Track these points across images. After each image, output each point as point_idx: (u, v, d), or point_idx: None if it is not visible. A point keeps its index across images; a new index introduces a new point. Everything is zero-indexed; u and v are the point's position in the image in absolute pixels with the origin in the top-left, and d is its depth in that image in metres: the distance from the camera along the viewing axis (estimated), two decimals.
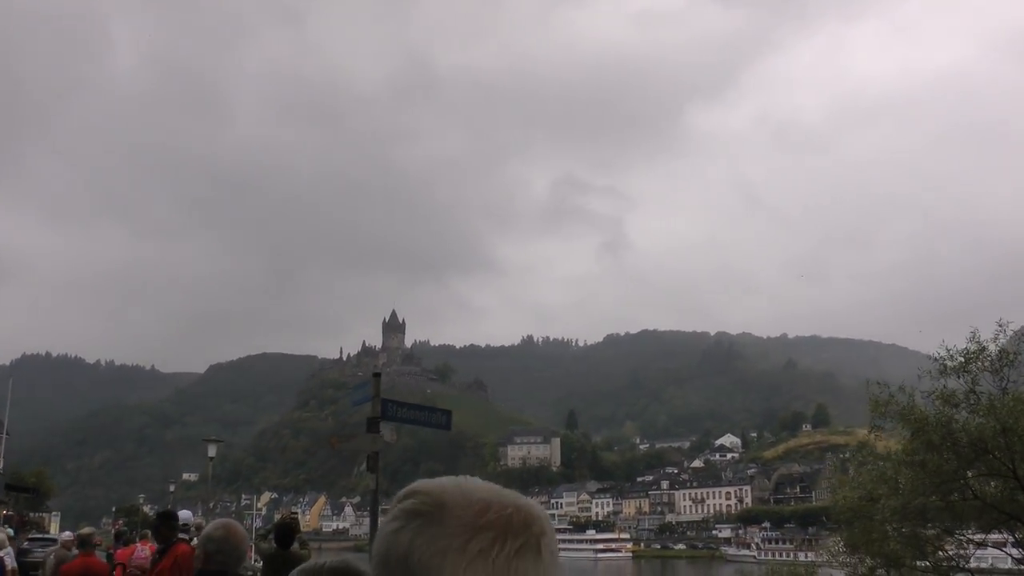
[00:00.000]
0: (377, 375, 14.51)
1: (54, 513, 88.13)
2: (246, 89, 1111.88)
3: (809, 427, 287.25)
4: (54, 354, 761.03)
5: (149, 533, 48.71)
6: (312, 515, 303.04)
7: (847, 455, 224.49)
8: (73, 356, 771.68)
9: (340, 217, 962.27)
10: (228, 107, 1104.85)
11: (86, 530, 13.37)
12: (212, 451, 34.08)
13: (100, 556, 13.18)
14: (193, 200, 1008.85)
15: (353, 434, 14.09)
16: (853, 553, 31.81)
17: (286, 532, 12.68)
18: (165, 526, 10.88)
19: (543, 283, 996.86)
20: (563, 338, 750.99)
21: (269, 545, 14.01)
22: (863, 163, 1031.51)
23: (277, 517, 14.60)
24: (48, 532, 51.83)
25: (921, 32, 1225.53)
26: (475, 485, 1.62)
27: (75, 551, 14.23)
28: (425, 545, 1.53)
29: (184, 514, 13.73)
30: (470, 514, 1.54)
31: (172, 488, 74.74)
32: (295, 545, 13.37)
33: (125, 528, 36.31)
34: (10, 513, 59.76)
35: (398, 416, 14.59)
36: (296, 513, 17.43)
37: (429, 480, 1.63)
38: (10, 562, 18.07)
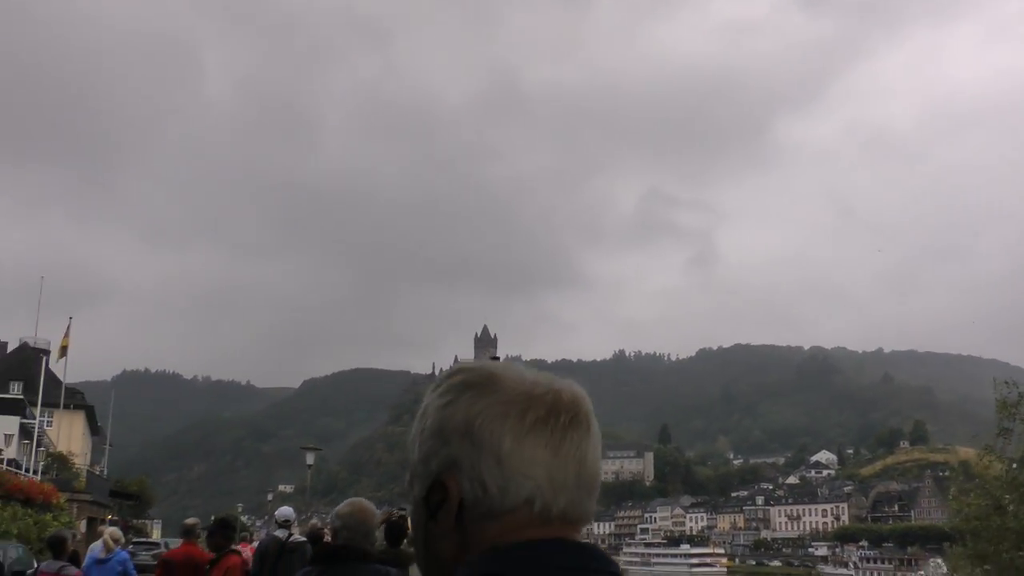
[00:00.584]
0: (495, 358, 14.14)
1: (155, 521, 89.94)
2: (335, 111, 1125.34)
3: (907, 444, 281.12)
4: (153, 370, 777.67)
5: (249, 535, 49.53)
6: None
7: (947, 473, 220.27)
8: (171, 372, 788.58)
9: (429, 233, 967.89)
10: (318, 129, 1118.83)
11: (191, 520, 13.65)
12: (310, 459, 34.46)
13: (202, 547, 13.56)
14: (285, 220, 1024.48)
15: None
16: (979, 564, 30.73)
17: (396, 531, 12.92)
18: (220, 534, 10.72)
19: (633, 297, 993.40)
20: (655, 352, 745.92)
21: (380, 544, 14.21)
22: (959, 171, 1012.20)
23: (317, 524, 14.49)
24: (151, 537, 52.99)
25: (1017, 34, 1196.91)
26: (518, 365, 1.63)
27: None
28: (485, 411, 1.54)
29: (285, 510, 14.00)
30: (523, 387, 1.56)
31: (270, 497, 75.66)
32: (404, 544, 13.59)
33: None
34: (115, 519, 61.14)
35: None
36: (405, 510, 16.97)
37: (469, 361, 1.64)
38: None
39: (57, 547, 11.69)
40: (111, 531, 15.38)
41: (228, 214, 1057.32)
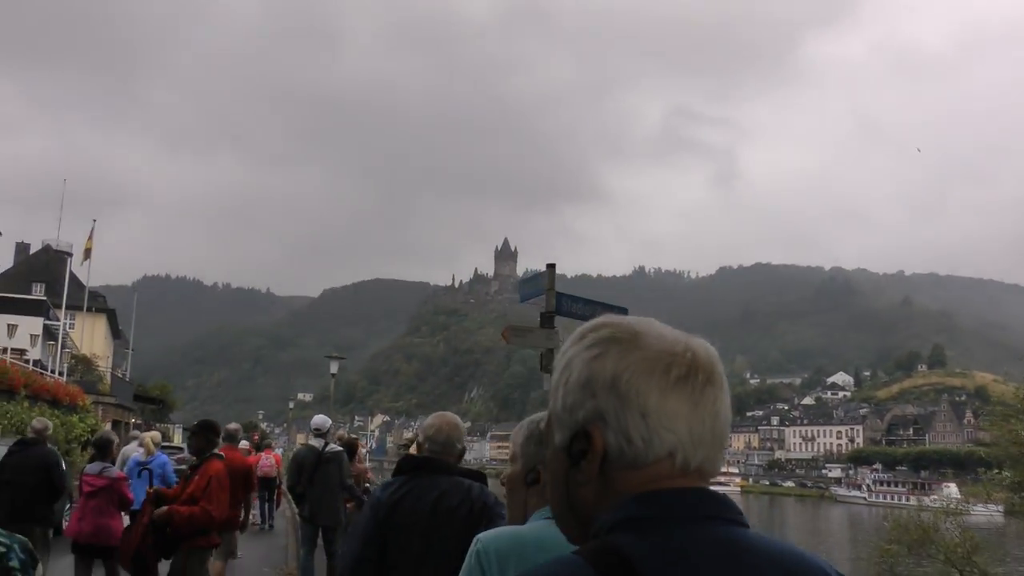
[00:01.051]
0: (551, 265, 13.40)
1: (177, 425, 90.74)
2: (358, 19, 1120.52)
3: (925, 368, 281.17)
4: (173, 276, 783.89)
5: (272, 444, 49.94)
6: None
7: (963, 398, 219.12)
8: (191, 278, 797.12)
9: (452, 146, 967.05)
10: (340, 39, 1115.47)
11: (232, 426, 13.80)
12: (334, 368, 34.33)
13: (243, 452, 13.84)
14: (307, 130, 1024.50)
15: (528, 328, 12.98)
16: (1020, 491, 29.99)
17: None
18: (202, 436, 9.98)
19: (654, 213, 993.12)
20: (675, 269, 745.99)
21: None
22: (989, 93, 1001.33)
23: (390, 440, 14.21)
24: (173, 442, 53.46)
25: None
26: (655, 321, 1.68)
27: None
28: (633, 367, 1.57)
29: (320, 419, 13.94)
30: (664, 344, 1.60)
31: (292, 405, 76.16)
32: None
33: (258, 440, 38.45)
34: (139, 422, 61.72)
35: (573, 311, 13.29)
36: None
37: (612, 315, 1.68)
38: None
39: (103, 449, 11.86)
40: (152, 434, 15.69)
41: (251, 124, 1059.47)
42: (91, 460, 12.05)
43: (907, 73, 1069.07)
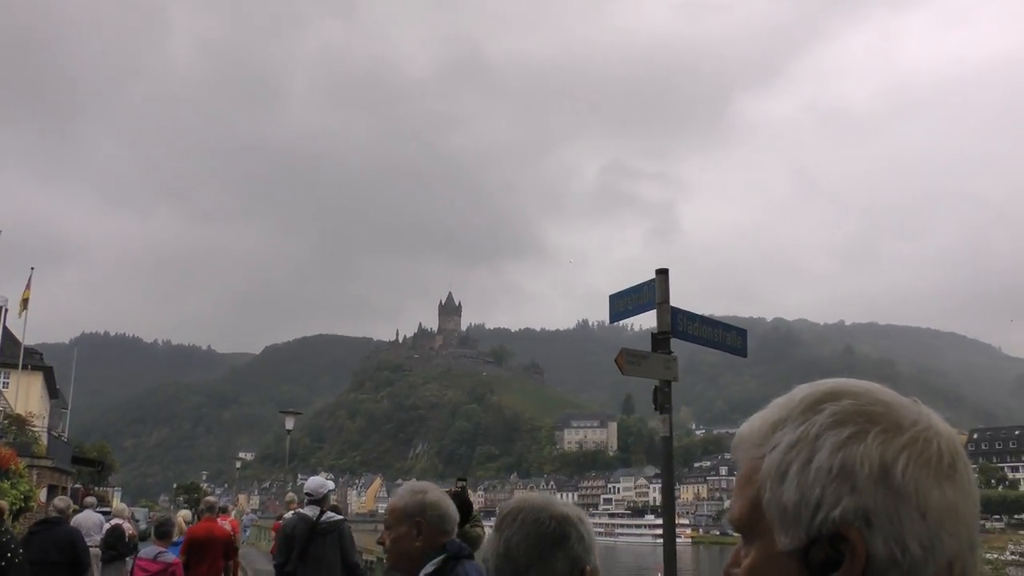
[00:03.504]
0: (663, 272, 10.46)
1: (116, 488, 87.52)
2: (299, 75, 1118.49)
3: None
4: (112, 333, 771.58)
5: (229, 507, 47.63)
6: (368, 497, 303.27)
7: None
8: (131, 336, 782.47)
9: (393, 202, 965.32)
10: (281, 93, 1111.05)
11: (211, 498, 15.15)
12: (289, 423, 32.67)
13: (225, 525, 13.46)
14: (248, 185, 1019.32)
15: (643, 354, 10.05)
16: None
17: (464, 505, 10.83)
18: None
19: (596, 268, 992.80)
20: (619, 323, 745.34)
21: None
22: (914, 150, 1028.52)
23: (333, 499, 12.00)
24: (112, 507, 50.76)
25: (971, 20, 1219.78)
26: (876, 385, 1.44)
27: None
28: (907, 454, 1.32)
29: (316, 482, 11.64)
30: (913, 416, 1.37)
31: (239, 465, 73.72)
32: (466, 526, 11.57)
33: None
34: (77, 486, 58.85)
35: (689, 333, 10.60)
36: (465, 481, 14.45)
37: (839, 379, 1.42)
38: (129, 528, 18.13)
39: (164, 533, 12.43)
40: (184, 513, 16.83)
41: (191, 177, 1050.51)
42: (144, 538, 11.54)
43: (837, 131, 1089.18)
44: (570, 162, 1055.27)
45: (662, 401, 10.03)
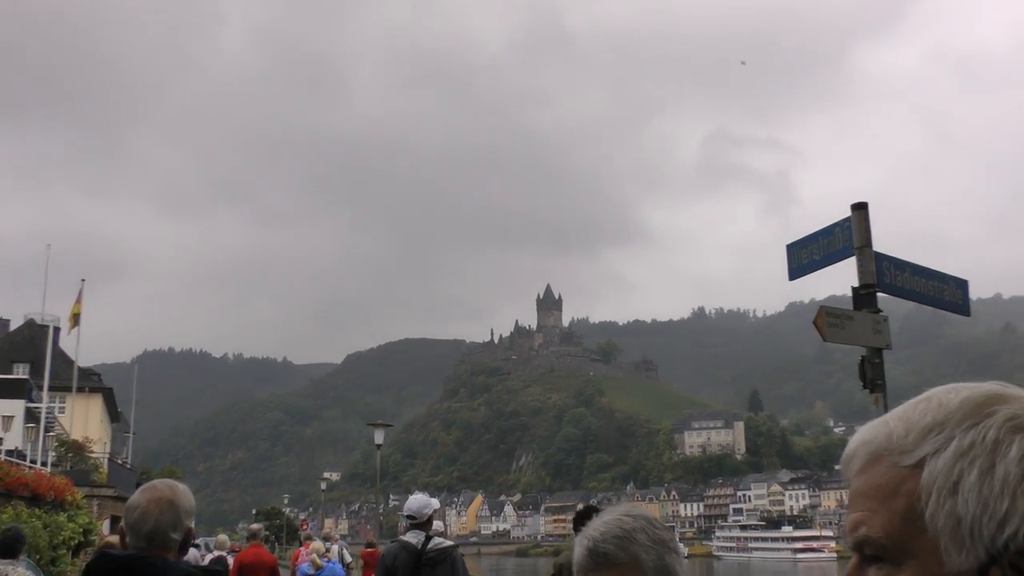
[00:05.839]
0: (862, 207, 9.19)
1: None
2: (363, 60, 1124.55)
3: None
4: (177, 349, 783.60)
5: (313, 535, 47.44)
6: (468, 516, 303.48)
7: None
8: (198, 351, 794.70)
9: (475, 190, 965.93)
10: (345, 81, 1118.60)
11: (255, 525, 16.01)
12: (379, 437, 32.01)
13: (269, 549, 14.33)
14: (316, 181, 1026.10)
15: (847, 314, 8.77)
16: None
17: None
18: None
19: (707, 250, 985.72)
20: (738, 309, 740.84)
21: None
22: None
23: (437, 523, 10.39)
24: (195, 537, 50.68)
25: None
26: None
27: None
28: None
29: (419, 501, 10.25)
30: None
31: (323, 486, 73.79)
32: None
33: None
34: None
35: (898, 286, 9.39)
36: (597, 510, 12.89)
37: (992, 383, 1.38)
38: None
39: None
40: (316, 546, 18.67)
41: (253, 177, 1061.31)
42: None
43: (973, 78, 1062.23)
44: (669, 134, 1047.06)
45: (872, 376, 8.64)
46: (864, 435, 1.41)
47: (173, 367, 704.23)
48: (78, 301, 52.80)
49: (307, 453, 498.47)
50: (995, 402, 1.33)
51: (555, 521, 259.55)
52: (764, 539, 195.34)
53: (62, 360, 61.77)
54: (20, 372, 65.07)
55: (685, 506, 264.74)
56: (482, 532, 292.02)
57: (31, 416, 52.98)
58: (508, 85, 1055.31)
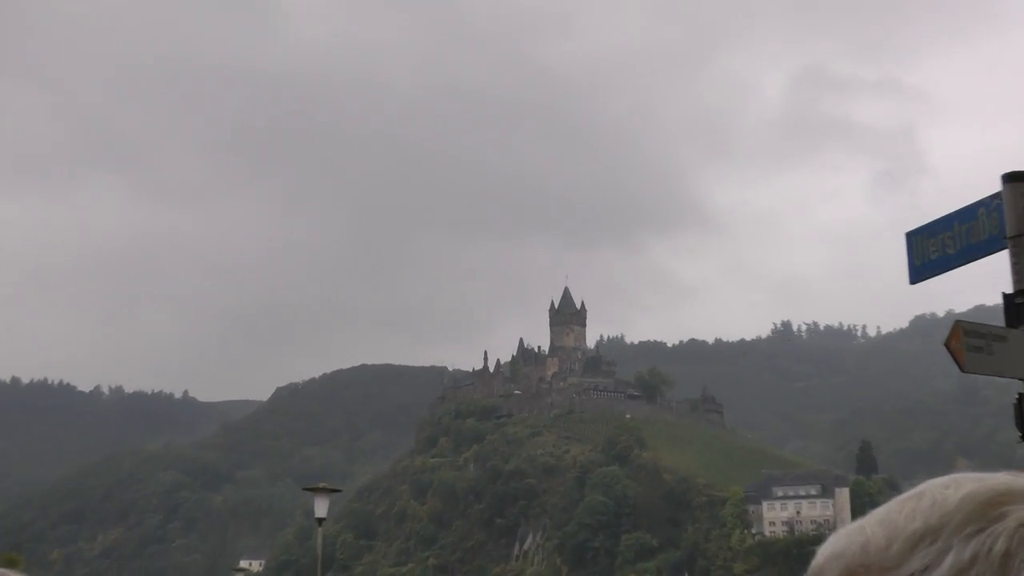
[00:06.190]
0: (1017, 177, 8.44)
1: None
2: None
3: None
4: (25, 380, 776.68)
5: None
6: None
7: None
8: (56, 382, 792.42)
9: (464, 154, 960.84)
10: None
11: None
12: (322, 509, 31.85)
13: None
14: (234, 139, 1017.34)
15: (995, 332, 8.08)
16: None
17: None
18: None
19: (793, 241, 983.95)
20: (839, 324, 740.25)
21: None
22: None
23: None
24: None
25: None
26: None
27: None
28: None
29: None
30: None
31: None
32: None
33: None
34: None
35: None
36: None
37: (1005, 474, 1.69)
38: None
39: None
40: None
41: (139, 131, 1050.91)
42: None
43: None
44: (740, 76, 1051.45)
45: None
46: (834, 546, 1.54)
47: (17, 406, 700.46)
48: None
49: (216, 532, 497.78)
50: (1005, 500, 1.54)
51: None
52: None
53: None
54: None
55: None
56: None
57: None
58: (511, 7, 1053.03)
